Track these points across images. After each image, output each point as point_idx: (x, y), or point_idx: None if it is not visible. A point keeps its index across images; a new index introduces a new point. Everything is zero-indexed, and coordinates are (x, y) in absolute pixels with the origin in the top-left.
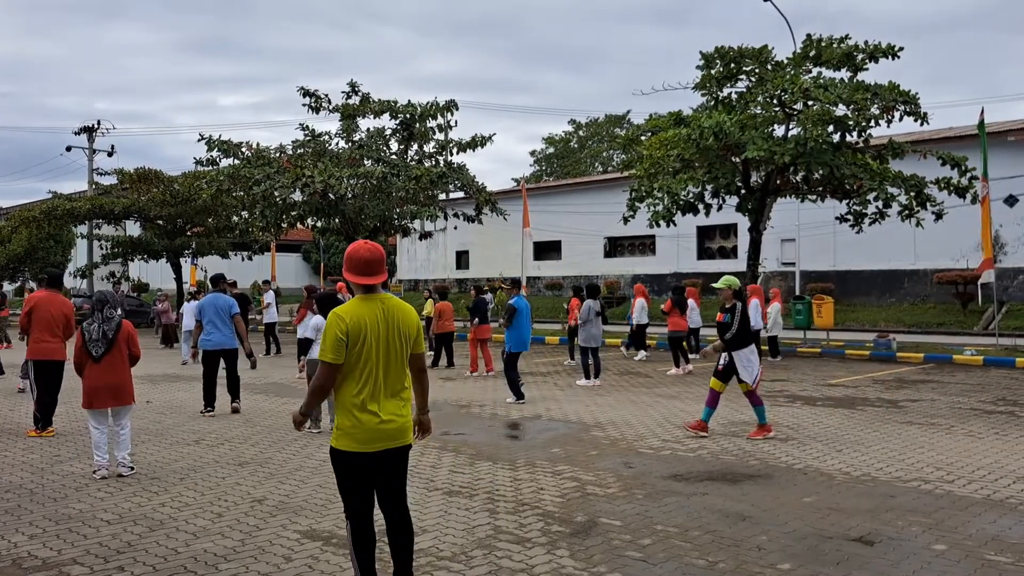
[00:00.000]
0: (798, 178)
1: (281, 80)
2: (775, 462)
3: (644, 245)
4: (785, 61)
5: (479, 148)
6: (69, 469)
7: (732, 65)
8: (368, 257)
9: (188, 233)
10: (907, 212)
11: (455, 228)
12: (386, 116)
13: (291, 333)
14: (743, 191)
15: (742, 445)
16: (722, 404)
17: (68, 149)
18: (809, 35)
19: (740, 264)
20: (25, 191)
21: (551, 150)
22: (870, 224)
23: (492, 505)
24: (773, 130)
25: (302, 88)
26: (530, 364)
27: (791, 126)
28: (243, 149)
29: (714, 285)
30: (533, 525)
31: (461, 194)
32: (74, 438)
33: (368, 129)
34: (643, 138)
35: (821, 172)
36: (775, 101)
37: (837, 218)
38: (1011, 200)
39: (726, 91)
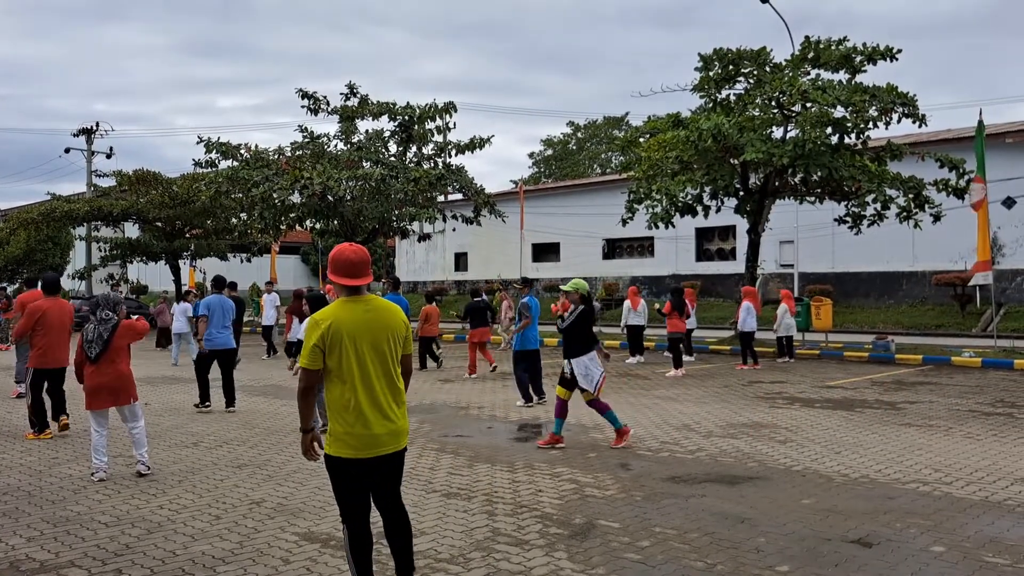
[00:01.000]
0: (796, 180)
1: (280, 82)
2: (773, 464)
3: (643, 247)
4: (783, 63)
5: (478, 150)
6: (67, 471)
7: (730, 67)
8: (353, 259)
9: (187, 235)
10: (905, 214)
11: (454, 230)
12: (385, 118)
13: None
14: (741, 193)
15: (740, 447)
16: (720, 406)
17: (67, 151)
18: (807, 37)
19: (739, 266)
20: (23, 193)
21: (549, 152)
22: (868, 226)
23: (490, 507)
24: (771, 132)
25: (300, 90)
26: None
27: (789, 128)
28: (242, 151)
29: (562, 287)
30: (531, 527)
31: (460, 196)
32: (72, 440)
33: (367, 131)
34: (641, 140)
35: (819, 174)
36: (773, 103)
37: (835, 220)
38: (1009, 202)
39: (724, 93)
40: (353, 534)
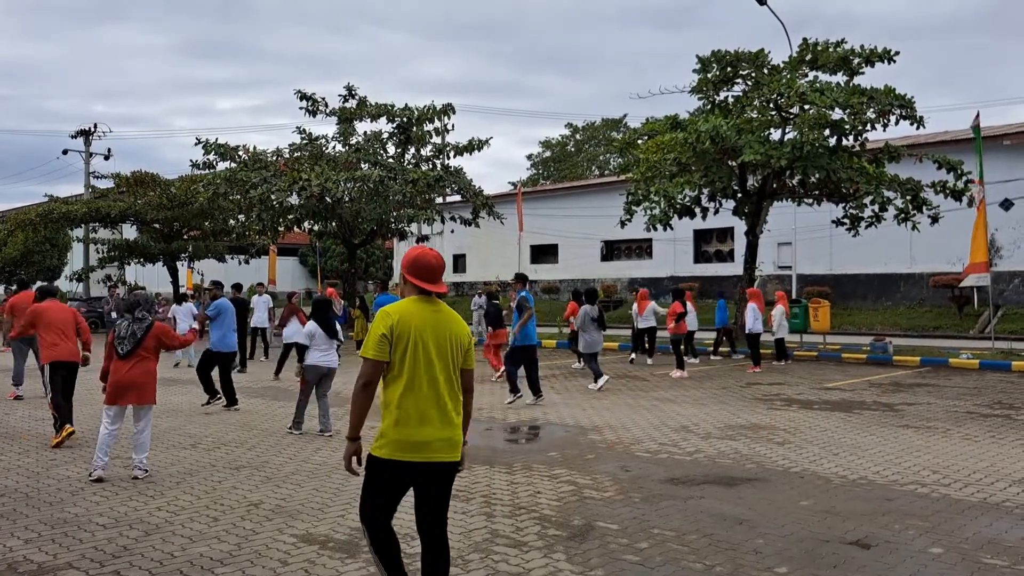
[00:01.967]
0: (794, 182)
1: (279, 83)
2: (772, 466)
3: (641, 249)
4: (781, 65)
5: (476, 152)
6: (65, 473)
7: (728, 69)
8: (435, 264)
9: (185, 237)
10: (903, 216)
11: (452, 232)
12: (383, 119)
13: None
14: (739, 195)
15: (739, 449)
16: (718, 408)
17: (64, 152)
18: (805, 39)
19: (737, 268)
20: (21, 194)
21: (548, 154)
22: (866, 227)
23: (489, 509)
24: (769, 134)
25: (299, 91)
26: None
27: (787, 130)
28: (240, 152)
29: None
30: (530, 529)
31: (458, 197)
32: (70, 441)
33: (365, 132)
34: (640, 142)
35: (817, 176)
36: (771, 105)
37: (833, 222)
38: (1006, 204)
39: (723, 95)
40: (376, 534)
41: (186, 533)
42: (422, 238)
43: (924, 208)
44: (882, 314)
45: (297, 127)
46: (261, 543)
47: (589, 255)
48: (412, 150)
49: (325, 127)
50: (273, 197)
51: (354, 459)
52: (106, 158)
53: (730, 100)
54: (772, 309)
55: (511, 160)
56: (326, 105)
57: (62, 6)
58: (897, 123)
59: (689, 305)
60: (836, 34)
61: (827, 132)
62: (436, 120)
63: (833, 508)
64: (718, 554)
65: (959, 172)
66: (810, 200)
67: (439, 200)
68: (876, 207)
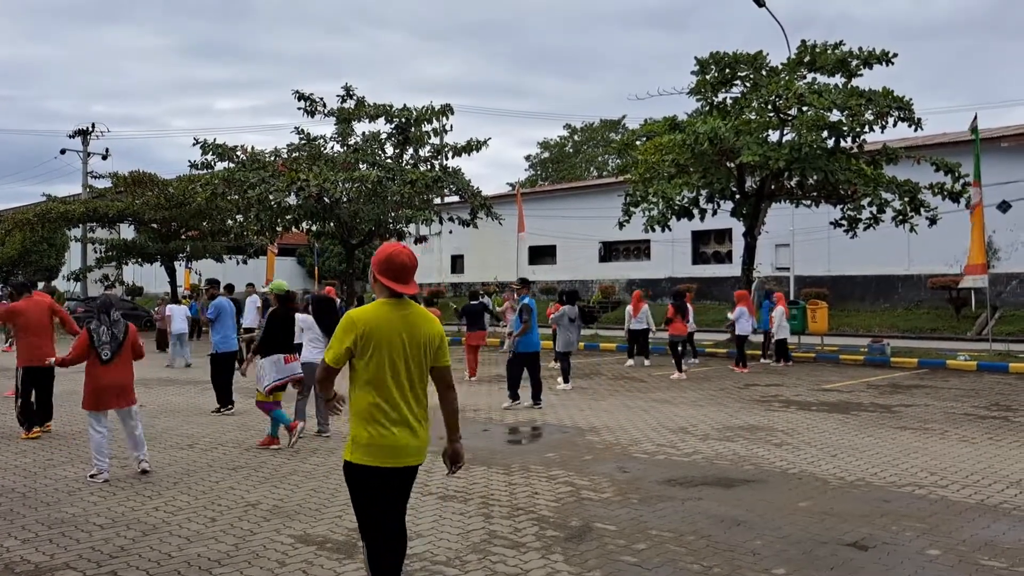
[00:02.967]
0: (793, 183)
1: (278, 84)
2: (769, 467)
3: (639, 250)
4: (780, 67)
5: (474, 152)
6: (62, 473)
7: (727, 70)
8: (408, 264)
9: (183, 237)
10: (901, 217)
11: (450, 232)
12: (381, 120)
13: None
14: (738, 196)
15: (736, 450)
16: (716, 409)
17: (62, 152)
18: (804, 41)
19: (735, 269)
20: (19, 194)
21: (546, 155)
22: (864, 229)
23: (487, 510)
24: (768, 135)
25: (297, 92)
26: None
27: (786, 131)
28: (238, 153)
29: (263, 288)
30: (528, 530)
31: (456, 198)
32: (67, 442)
33: (363, 133)
34: (638, 143)
35: (815, 177)
36: (770, 106)
37: (831, 223)
38: (1004, 206)
39: (721, 96)
40: (375, 551)
41: (183, 533)
42: (420, 239)
43: (922, 210)
44: (880, 316)
45: (295, 127)
46: (259, 543)
47: (587, 256)
48: (410, 151)
49: (323, 127)
50: (271, 197)
51: (336, 402)
52: (104, 158)
53: (728, 102)
54: (772, 310)
55: (510, 161)
56: (324, 105)
57: (61, 7)
58: (895, 125)
59: (688, 307)
60: (835, 36)
61: (825, 134)
62: (434, 121)
63: (831, 509)
64: (716, 555)
65: (957, 174)
66: (808, 202)
67: (437, 201)
68: (874, 209)
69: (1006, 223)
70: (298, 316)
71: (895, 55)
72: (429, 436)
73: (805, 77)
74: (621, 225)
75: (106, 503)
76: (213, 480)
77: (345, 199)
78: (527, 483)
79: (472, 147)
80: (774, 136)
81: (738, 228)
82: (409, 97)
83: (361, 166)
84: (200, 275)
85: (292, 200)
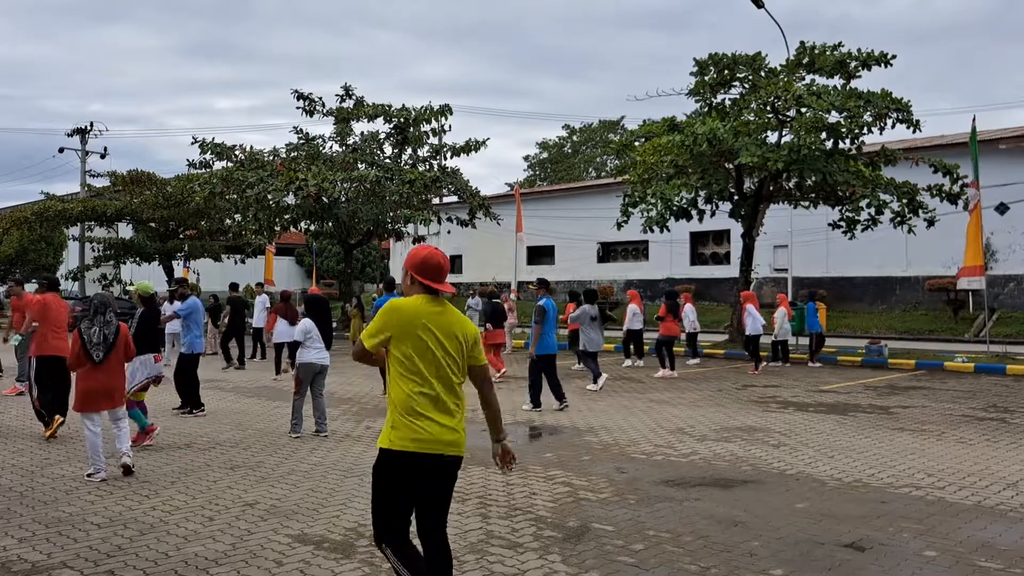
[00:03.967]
0: (791, 184)
1: (278, 84)
2: (767, 468)
3: (637, 250)
4: (778, 68)
5: (473, 152)
6: (59, 472)
7: (726, 72)
8: (443, 264)
9: (181, 236)
10: (899, 219)
11: (448, 232)
12: (380, 120)
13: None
14: (736, 197)
15: (734, 451)
16: (714, 410)
17: (61, 151)
18: (802, 42)
19: (733, 270)
20: (17, 193)
21: (545, 155)
22: (862, 231)
23: (484, 510)
24: (766, 137)
25: (296, 91)
26: (522, 368)
27: (784, 133)
28: (236, 152)
29: (128, 288)
30: (525, 530)
31: (455, 198)
32: (64, 441)
33: (362, 133)
34: (637, 144)
35: (814, 179)
36: (768, 108)
37: (830, 224)
38: (1002, 208)
39: (720, 97)
40: (401, 548)
41: (181, 533)
42: (418, 239)
43: (920, 211)
44: (878, 317)
45: (294, 127)
46: (256, 543)
47: (586, 257)
48: (409, 150)
49: (322, 127)
50: (269, 197)
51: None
52: (102, 157)
53: (727, 103)
54: (774, 312)
55: (508, 161)
56: (323, 105)
57: (60, 5)
58: (893, 126)
59: (689, 306)
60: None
61: (824, 135)
62: (433, 121)
63: (828, 511)
64: (713, 556)
65: (955, 176)
66: (806, 203)
67: (436, 201)
68: (872, 210)
69: (1004, 225)
70: (303, 322)
71: (894, 57)
72: (464, 433)
73: (804, 78)
74: (619, 226)
75: (103, 502)
76: (210, 479)
77: (343, 199)
78: (525, 483)
79: (471, 147)
80: (773, 137)
81: (736, 229)
82: (408, 97)
83: (360, 166)
84: (198, 274)
85: (290, 200)
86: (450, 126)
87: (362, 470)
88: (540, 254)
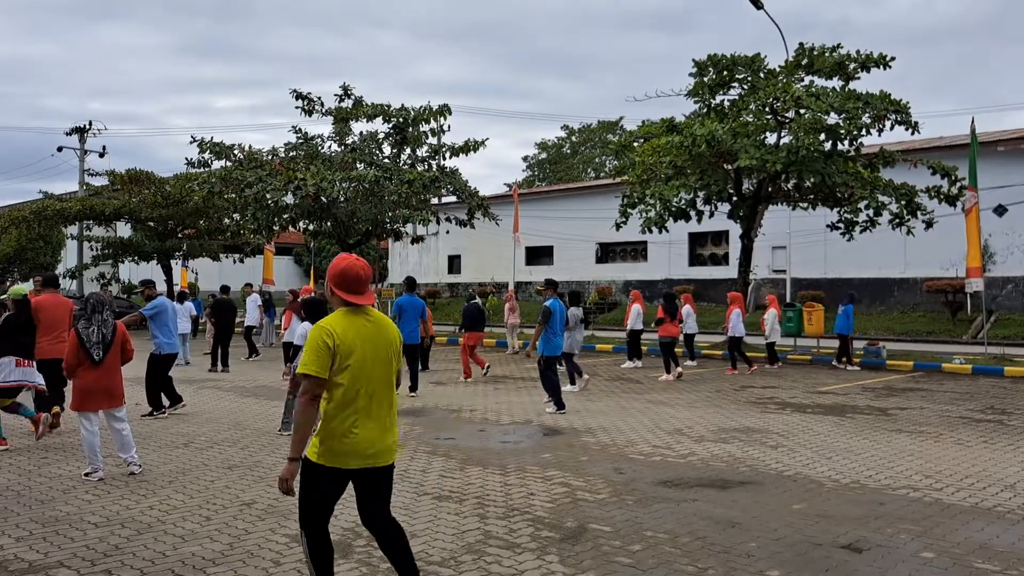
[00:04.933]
0: (790, 186)
1: (278, 83)
2: (765, 469)
3: (636, 251)
4: (777, 69)
5: (472, 153)
6: (56, 471)
7: (725, 73)
8: (363, 276)
9: (179, 235)
10: (897, 220)
11: (447, 232)
12: (379, 120)
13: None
14: (735, 198)
15: (732, 452)
16: (711, 411)
17: (59, 149)
18: (801, 44)
19: (732, 271)
20: (15, 191)
21: (544, 155)
22: (861, 232)
23: (482, 510)
24: (765, 138)
25: (294, 91)
26: (521, 368)
27: (783, 134)
28: (235, 151)
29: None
30: (523, 530)
31: (454, 198)
32: (62, 440)
33: (361, 132)
34: (636, 144)
35: (812, 180)
36: (767, 109)
37: (828, 226)
38: (1000, 210)
39: (719, 98)
40: (316, 541)
41: (178, 532)
42: (417, 239)
43: (918, 213)
44: (876, 319)
45: (293, 126)
46: (253, 543)
47: (584, 257)
48: (408, 150)
49: (321, 127)
50: (268, 196)
51: (290, 480)
52: (101, 155)
53: (726, 104)
54: (764, 313)
55: (507, 161)
56: (322, 105)
57: (59, 3)
58: (892, 128)
59: (688, 308)
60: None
61: (823, 136)
62: (432, 121)
63: (826, 512)
64: (710, 557)
65: (953, 177)
66: (805, 204)
67: (434, 201)
68: (871, 212)
69: (1002, 227)
70: (301, 326)
71: (892, 59)
72: (398, 436)
73: (803, 80)
74: (618, 226)
75: (100, 501)
76: (208, 479)
77: (342, 199)
78: (523, 484)
79: (470, 147)
80: (771, 139)
81: (735, 230)
82: (408, 97)
83: (358, 166)
84: (196, 274)
85: (289, 199)
86: (449, 126)
87: None
88: (539, 254)
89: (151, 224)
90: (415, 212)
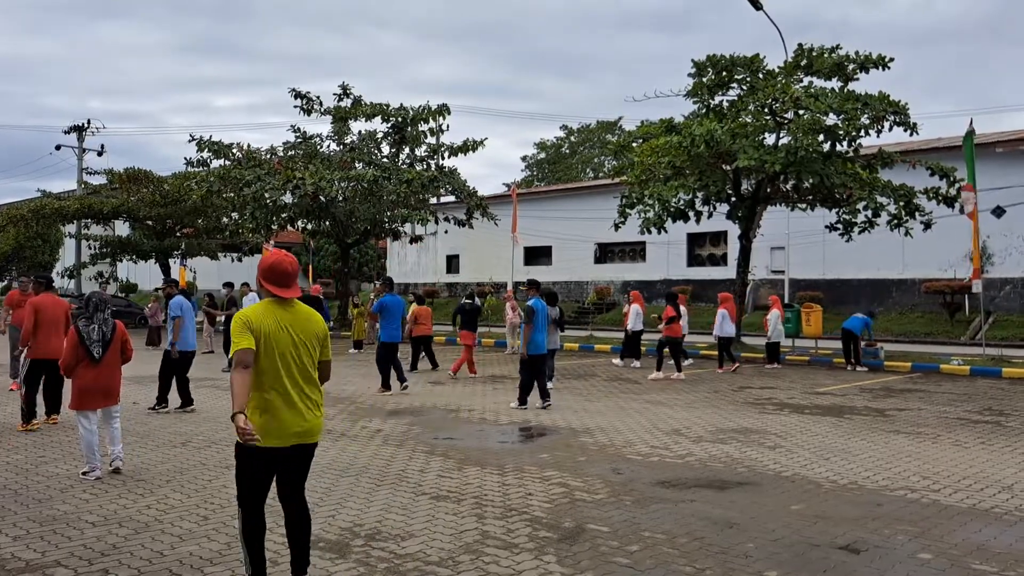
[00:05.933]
0: (788, 186)
1: (277, 82)
2: (763, 469)
3: (635, 251)
4: (776, 70)
5: (471, 152)
6: (54, 470)
7: (724, 73)
8: (290, 271)
9: (178, 234)
10: (896, 221)
11: (446, 232)
12: (378, 119)
13: None
14: (734, 199)
15: (730, 452)
16: (710, 411)
17: (57, 148)
18: (800, 45)
19: (730, 271)
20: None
21: (542, 155)
22: (859, 233)
23: (480, 510)
24: (764, 139)
25: (293, 90)
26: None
27: (782, 135)
28: (234, 150)
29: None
30: (521, 531)
31: (452, 198)
32: (59, 439)
33: (360, 132)
34: (635, 145)
35: (811, 181)
36: (766, 110)
37: (827, 227)
38: (998, 211)
39: (718, 99)
40: (249, 520)
41: (175, 532)
42: (416, 238)
43: (917, 214)
44: (874, 319)
45: (292, 126)
46: None
47: (583, 257)
48: (407, 150)
49: (320, 126)
50: (267, 195)
51: (246, 424)
52: (99, 154)
53: (725, 104)
54: (767, 313)
55: (506, 161)
56: (321, 104)
57: (60, 3)
58: (891, 129)
59: (682, 309)
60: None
61: (821, 137)
62: (431, 120)
63: (823, 513)
64: (708, 557)
65: (952, 178)
66: (804, 205)
67: (433, 200)
68: (869, 213)
69: (1000, 228)
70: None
71: (891, 59)
72: (322, 420)
73: (802, 81)
74: (617, 227)
75: (98, 500)
76: (206, 478)
77: (341, 198)
78: (521, 484)
79: (468, 147)
80: (770, 139)
81: (734, 231)
82: (408, 97)
83: (357, 165)
84: (195, 272)
85: (288, 198)
86: (448, 126)
87: (357, 470)
88: (537, 255)
89: (149, 223)
90: (414, 212)
